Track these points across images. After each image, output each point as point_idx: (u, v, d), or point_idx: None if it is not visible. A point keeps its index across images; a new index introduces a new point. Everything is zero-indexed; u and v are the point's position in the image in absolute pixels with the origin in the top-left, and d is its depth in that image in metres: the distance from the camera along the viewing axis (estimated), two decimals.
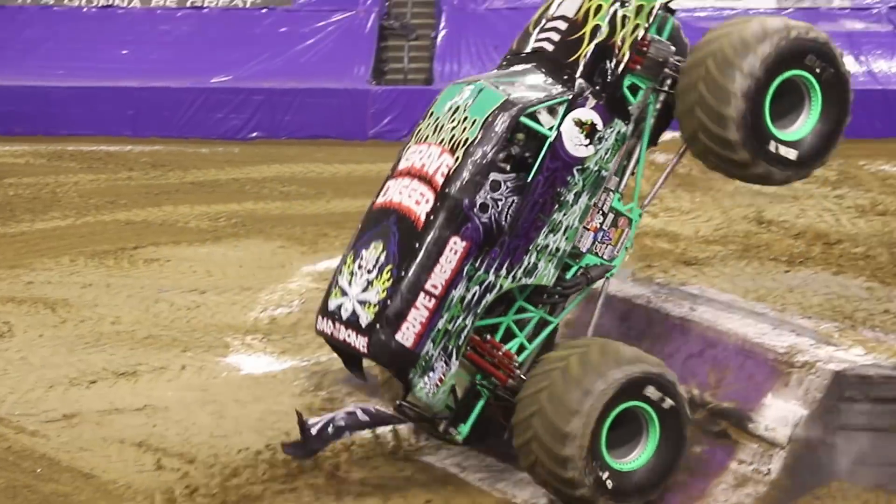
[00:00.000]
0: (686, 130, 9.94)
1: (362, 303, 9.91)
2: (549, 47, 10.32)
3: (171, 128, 24.06)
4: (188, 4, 26.91)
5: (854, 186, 15.17)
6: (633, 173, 10.10)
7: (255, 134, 24.22)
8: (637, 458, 9.48)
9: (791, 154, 9.76)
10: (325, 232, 16.02)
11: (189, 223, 16.70)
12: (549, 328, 9.93)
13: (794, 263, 12.17)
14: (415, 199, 10.03)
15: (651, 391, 9.31)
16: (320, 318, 10.11)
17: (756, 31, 9.70)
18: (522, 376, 9.67)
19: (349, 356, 10.01)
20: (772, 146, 9.70)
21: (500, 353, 9.82)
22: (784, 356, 9.13)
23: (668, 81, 9.95)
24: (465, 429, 9.86)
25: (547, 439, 9.36)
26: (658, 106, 10.01)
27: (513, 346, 9.82)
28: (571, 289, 10.03)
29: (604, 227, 10.13)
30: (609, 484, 9.29)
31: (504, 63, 10.68)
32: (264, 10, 26.70)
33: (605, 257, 10.11)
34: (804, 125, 9.91)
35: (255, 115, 24.38)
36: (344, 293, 10.08)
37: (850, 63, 24.22)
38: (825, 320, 10.44)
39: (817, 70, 9.83)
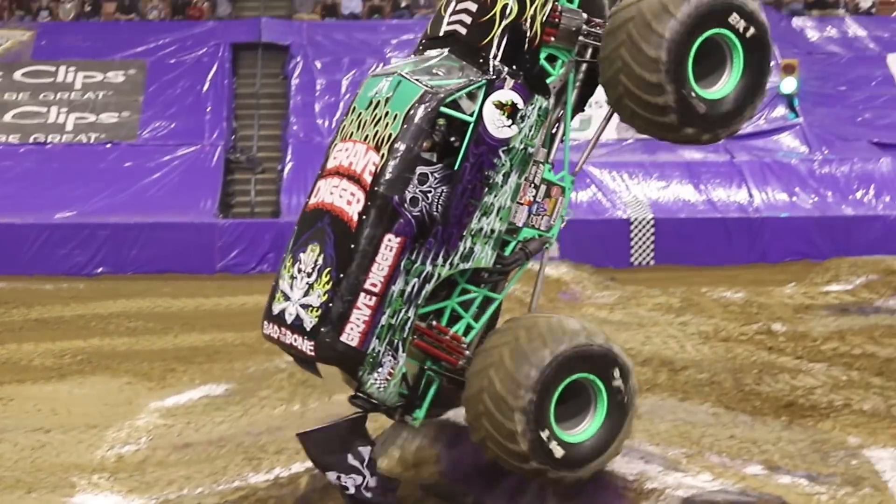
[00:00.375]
0: (612, 97, 10.02)
1: (305, 306, 9.93)
2: (462, 30, 10.29)
3: (14, 265, 23.60)
4: (31, 141, 26.62)
5: (697, 313, 15.42)
6: (561, 142, 10.24)
7: (100, 269, 23.89)
8: (586, 430, 9.63)
9: (716, 110, 9.86)
10: (172, 367, 15.80)
11: (33, 361, 16.35)
12: (494, 305, 10.07)
13: (642, 390, 12.28)
14: (346, 200, 10.02)
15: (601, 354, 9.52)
16: (265, 322, 10.16)
17: (652, 4, 9.70)
18: (471, 356, 9.80)
19: (283, 349, 10.08)
20: (697, 105, 9.77)
21: (448, 336, 9.94)
22: (633, 483, 9.18)
23: (589, 50, 10.06)
24: (420, 413, 9.98)
25: (496, 414, 9.46)
26: (580, 76, 10.16)
27: (460, 327, 9.95)
28: (511, 265, 10.11)
29: (537, 199, 10.22)
30: (558, 454, 9.43)
31: (420, 47, 10.64)
32: (108, 146, 26.50)
33: (542, 228, 10.20)
34: (727, 83, 9.99)
35: (101, 250, 24.07)
36: (286, 297, 10.10)
37: (691, 192, 24.98)
38: (673, 447, 10.55)
39: (740, 29, 9.87)
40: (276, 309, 10.15)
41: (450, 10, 10.43)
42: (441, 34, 10.42)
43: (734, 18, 9.83)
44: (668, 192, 25.54)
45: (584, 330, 9.62)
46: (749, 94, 9.97)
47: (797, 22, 30.75)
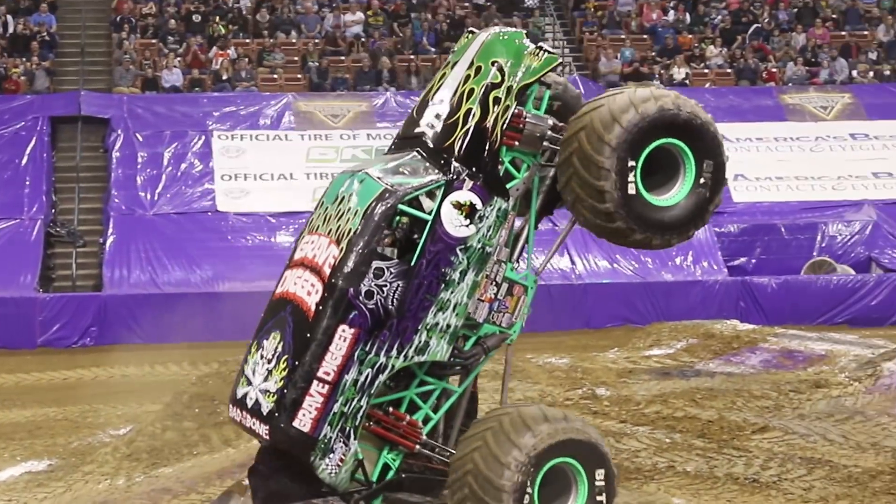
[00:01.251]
0: (567, 202, 10.50)
1: (263, 391, 10.29)
2: (430, 132, 10.67)
3: None
4: None
5: (523, 379, 15.55)
6: (525, 242, 10.72)
7: None
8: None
9: (667, 218, 10.27)
10: None
11: None
12: (453, 398, 10.44)
13: None
14: (306, 290, 10.37)
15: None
16: (231, 405, 10.53)
17: (623, 103, 10.15)
18: (432, 441, 10.29)
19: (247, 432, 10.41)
20: (648, 213, 10.19)
21: (405, 423, 10.28)
22: None
23: (549, 154, 10.43)
24: (377, 502, 10.28)
25: (480, 494, 9.85)
26: (548, 181, 10.55)
27: (418, 417, 10.27)
28: (470, 360, 10.46)
29: (499, 296, 10.60)
30: None
31: (392, 147, 11.02)
32: None
33: (503, 325, 10.59)
34: (680, 191, 10.35)
35: None
36: (249, 382, 10.44)
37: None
38: None
39: (688, 139, 10.25)
40: (239, 393, 10.45)
41: (422, 112, 10.79)
42: (413, 135, 10.76)
43: (681, 130, 10.20)
44: None
45: (564, 417, 10.07)
46: (702, 203, 10.33)
47: None
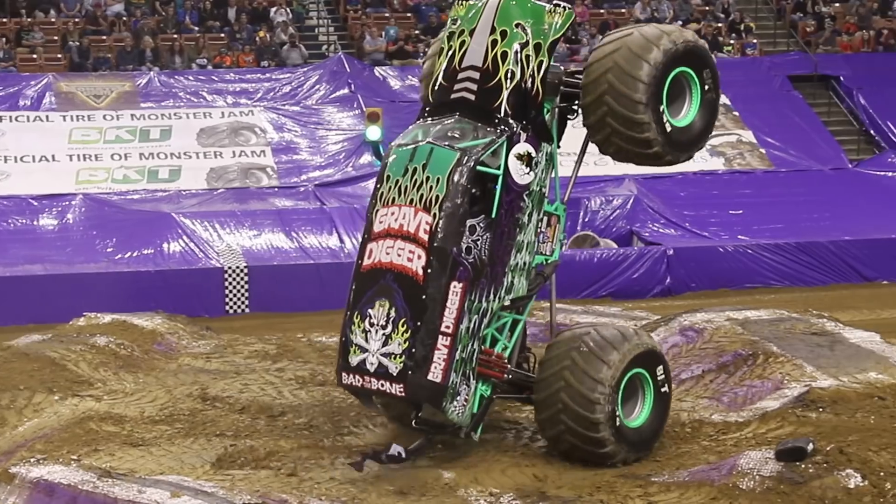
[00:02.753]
0: (599, 136, 11.92)
1: (387, 355, 11.36)
2: (470, 96, 11.82)
3: None
4: None
5: (294, 359, 15.49)
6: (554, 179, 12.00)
7: None
8: (640, 416, 11.74)
9: (690, 135, 12.01)
10: None
11: None
12: (521, 325, 11.85)
13: (241, 437, 12.29)
14: (406, 257, 11.42)
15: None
16: (344, 374, 11.62)
17: (644, 43, 11.66)
18: (514, 369, 11.78)
19: (364, 395, 11.67)
20: (677, 135, 11.85)
21: (494, 357, 11.61)
22: None
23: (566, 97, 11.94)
24: (479, 429, 11.67)
25: (575, 408, 11.33)
26: (556, 118, 11.98)
27: (499, 348, 11.63)
28: (534, 290, 11.96)
29: (541, 229, 11.97)
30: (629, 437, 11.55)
31: (427, 115, 12.16)
32: None
33: (547, 253, 12.04)
34: (692, 108, 12.03)
35: None
36: (363, 350, 11.52)
37: (283, 239, 25.12)
38: (275, 492, 10.60)
39: (697, 65, 11.95)
40: (353, 361, 11.52)
41: (450, 79, 11.95)
42: (450, 101, 11.91)
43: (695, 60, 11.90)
44: (260, 240, 25.65)
45: (636, 333, 11.84)
46: (710, 115, 12.17)
47: (379, 71, 31.55)
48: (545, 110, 11.87)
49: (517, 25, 11.74)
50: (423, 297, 11.31)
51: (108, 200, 27.00)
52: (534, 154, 11.72)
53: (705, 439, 12.24)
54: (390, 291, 11.53)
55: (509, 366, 11.71)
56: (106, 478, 10.70)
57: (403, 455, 11.19)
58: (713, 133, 12.51)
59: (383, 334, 11.46)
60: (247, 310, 24.59)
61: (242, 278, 24.61)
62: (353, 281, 11.96)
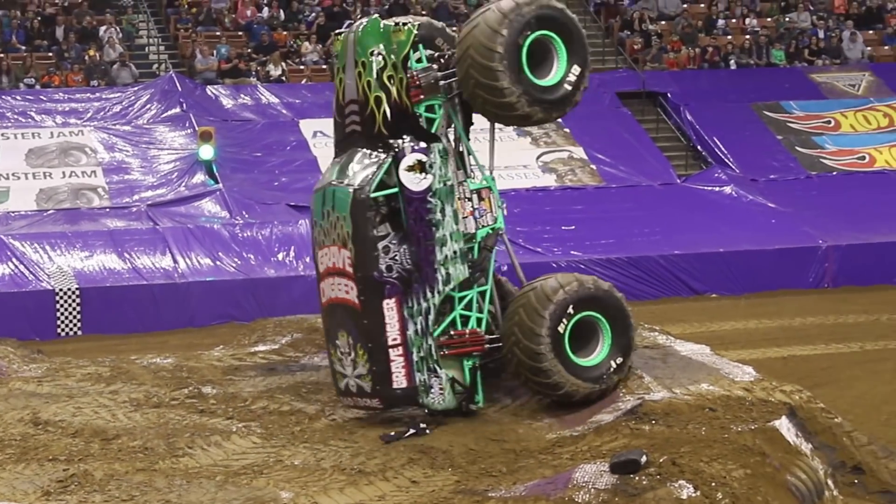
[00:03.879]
0: (476, 107, 13.31)
1: (358, 377, 13.18)
2: (358, 128, 13.35)
3: None
4: None
5: (128, 381, 15.31)
6: (469, 156, 13.47)
7: None
8: (600, 352, 13.32)
9: (557, 95, 13.17)
10: None
11: None
12: (488, 292, 13.31)
13: (74, 462, 12.10)
14: (345, 290, 13.10)
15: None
16: (340, 397, 13.58)
17: (495, 18, 12.84)
18: (493, 336, 13.23)
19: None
20: (542, 95, 13.04)
21: (467, 335, 13.19)
22: None
23: (449, 87, 13.16)
24: (479, 398, 13.41)
25: (523, 340, 12.97)
26: (458, 103, 13.29)
27: (473, 324, 13.20)
28: (483, 262, 13.34)
29: (475, 206, 13.34)
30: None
31: (336, 150, 13.65)
32: None
33: (490, 224, 13.42)
34: (559, 70, 13.22)
35: None
36: (343, 375, 13.37)
37: (115, 260, 24.76)
38: None
39: (555, 28, 13.09)
40: (341, 386, 13.42)
41: (342, 115, 13.54)
42: (345, 136, 13.48)
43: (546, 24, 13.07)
44: (92, 262, 25.24)
45: (576, 279, 13.26)
46: (576, 84, 13.27)
47: (211, 90, 31.32)
48: (437, 107, 13.20)
49: (372, 53, 13.17)
50: (365, 321, 12.96)
51: None
52: (424, 159, 13.08)
53: (541, 453, 12.39)
54: (344, 322, 13.19)
55: (485, 336, 13.22)
56: None
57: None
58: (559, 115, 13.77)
59: (351, 360, 13.19)
60: (79, 332, 24.19)
61: (74, 300, 24.21)
62: (321, 318, 13.70)
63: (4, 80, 30.89)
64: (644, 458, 11.04)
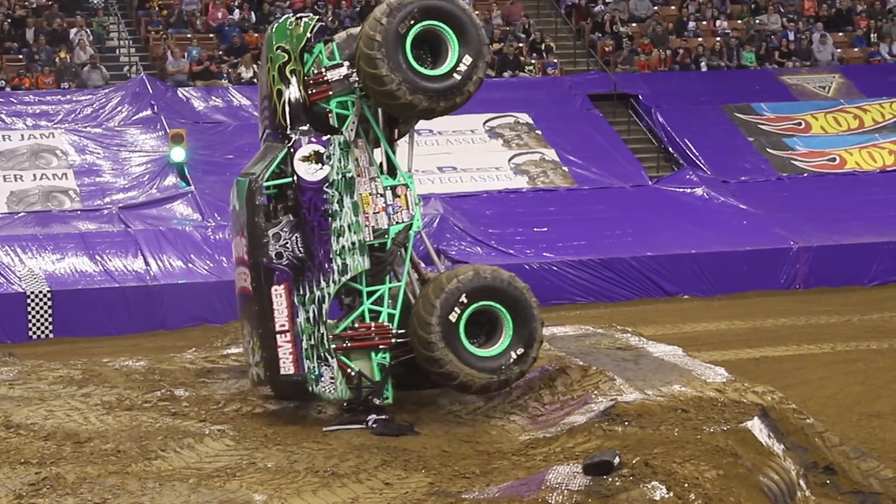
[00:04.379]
0: (374, 100, 13.25)
1: (256, 364, 13.38)
2: (268, 122, 13.62)
3: None
4: None
5: (100, 384, 15.25)
6: (386, 154, 13.48)
7: None
8: (501, 343, 13.31)
9: (444, 85, 13.18)
10: None
11: None
12: (402, 288, 13.41)
13: (46, 465, 12.05)
14: (244, 279, 13.37)
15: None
16: (253, 387, 13.75)
17: (381, 9, 13.04)
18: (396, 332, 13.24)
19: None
20: (426, 84, 13.07)
21: (373, 329, 13.28)
22: None
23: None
24: (388, 393, 13.35)
25: (417, 330, 13.05)
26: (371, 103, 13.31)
27: (383, 319, 13.32)
28: (391, 257, 13.42)
29: (388, 202, 13.39)
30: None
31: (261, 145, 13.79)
32: None
33: (405, 220, 13.47)
34: (449, 62, 13.23)
35: None
36: (249, 364, 13.62)
37: (87, 262, 24.67)
38: None
39: (443, 19, 13.16)
40: (251, 375, 13.58)
41: (261, 111, 13.91)
42: (264, 129, 13.71)
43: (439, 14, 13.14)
44: (64, 264, 25.17)
45: (473, 270, 13.34)
46: (467, 74, 13.22)
47: (182, 92, 31.26)
48: (350, 103, 13.35)
49: (278, 48, 13.44)
50: (256, 307, 13.15)
51: None
52: (322, 150, 13.20)
53: (514, 455, 12.40)
54: (246, 310, 13.50)
55: (394, 330, 13.25)
56: None
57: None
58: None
59: (251, 348, 13.42)
60: (51, 335, 24.13)
61: (46, 303, 24.14)
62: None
63: None
64: (617, 460, 11.06)
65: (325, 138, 13.27)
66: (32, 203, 27.63)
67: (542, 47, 35.19)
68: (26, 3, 33.39)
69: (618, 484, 10.76)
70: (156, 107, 30.40)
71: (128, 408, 14.17)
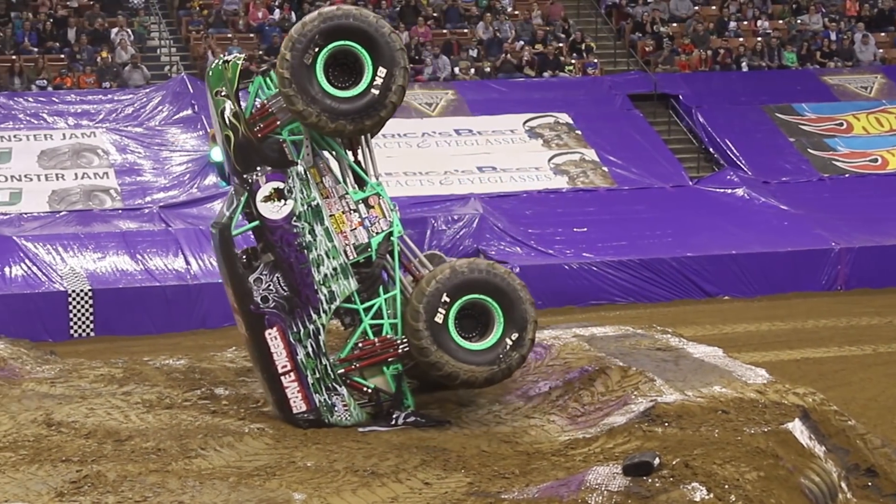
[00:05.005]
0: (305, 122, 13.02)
1: (272, 404, 13.49)
2: (228, 167, 13.48)
3: None
4: None
5: (140, 382, 15.32)
6: (350, 169, 13.31)
7: None
8: (494, 333, 13.20)
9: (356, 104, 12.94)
10: None
11: None
12: (398, 297, 13.28)
13: (87, 463, 12.11)
14: (242, 326, 13.42)
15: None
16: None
17: (284, 44, 12.94)
18: (400, 340, 13.13)
19: None
20: (332, 104, 12.83)
21: (377, 344, 13.22)
22: None
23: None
24: (409, 401, 13.38)
25: (408, 320, 13.02)
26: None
27: (386, 331, 13.26)
28: (377, 269, 13.27)
29: (363, 215, 13.21)
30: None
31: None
32: None
33: (384, 229, 13.28)
34: (363, 81, 12.98)
35: None
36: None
37: (128, 261, 24.79)
38: None
39: (353, 36, 12.92)
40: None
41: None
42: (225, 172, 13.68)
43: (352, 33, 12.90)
44: (105, 263, 25.29)
45: (450, 268, 13.17)
46: (385, 86, 12.98)
47: None
48: (297, 128, 13.18)
49: (216, 93, 13.40)
50: (257, 353, 13.26)
51: None
52: (281, 185, 13.08)
53: (554, 455, 12.38)
54: (251, 355, 13.66)
55: (399, 340, 13.18)
56: None
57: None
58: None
59: (265, 390, 13.55)
60: (92, 333, 24.24)
61: (87, 302, 24.26)
62: None
63: (17, 81, 30.94)
64: (657, 461, 11.03)
65: (279, 174, 13.12)
66: (74, 202, 27.77)
67: (583, 47, 35.12)
68: (68, 3, 33.57)
69: (657, 485, 10.72)
70: (196, 106, 30.50)
71: (168, 406, 14.22)
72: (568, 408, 13.80)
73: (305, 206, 13.03)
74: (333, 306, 13.07)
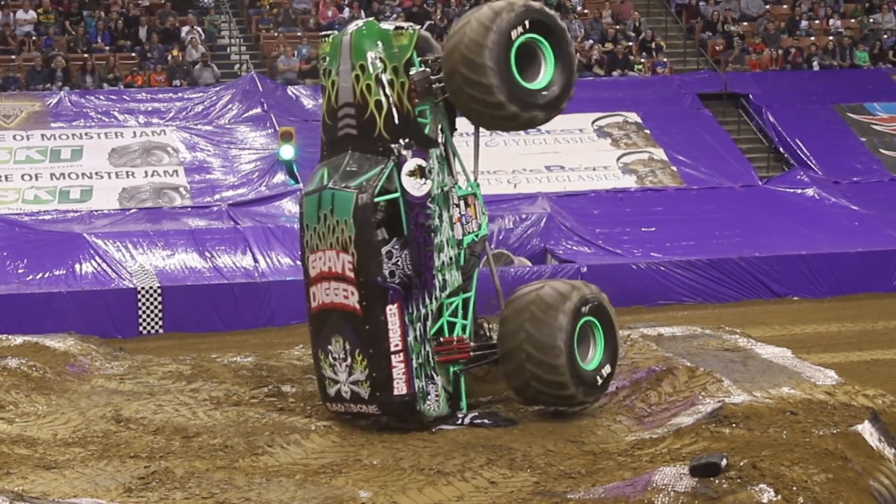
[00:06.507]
0: (461, 108, 12.97)
1: (355, 382, 12.93)
2: (353, 131, 13.03)
3: None
4: None
5: (208, 379, 15.40)
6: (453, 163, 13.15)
7: None
8: (594, 358, 13.25)
9: (543, 97, 12.83)
10: None
11: None
12: (472, 300, 13.27)
13: (155, 459, 12.19)
14: (343, 296, 12.84)
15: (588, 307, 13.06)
16: (328, 404, 13.33)
17: (488, 14, 12.63)
18: (473, 343, 13.15)
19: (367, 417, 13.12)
20: (528, 97, 12.73)
21: (454, 343, 13.09)
22: None
23: (439, 90, 12.83)
24: (464, 404, 13.33)
25: (538, 356, 12.79)
26: (442, 109, 13.02)
27: (458, 331, 13.13)
28: (470, 269, 13.26)
29: (462, 212, 13.18)
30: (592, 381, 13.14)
31: (325, 153, 13.41)
32: None
33: (475, 230, 13.29)
34: (545, 75, 12.93)
35: None
36: (335, 381, 13.09)
37: (196, 259, 24.96)
38: None
39: (546, 32, 12.87)
40: (332, 392, 13.15)
41: (334, 118, 13.25)
42: (338, 138, 13.16)
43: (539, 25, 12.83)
44: (174, 260, 25.49)
45: (576, 286, 13.14)
46: (567, 78, 12.98)
47: (292, 90, 31.50)
48: (427, 111, 12.97)
49: (370, 56, 12.89)
50: (367, 327, 12.69)
51: (18, 221, 26.72)
52: (424, 164, 12.91)
53: (620, 455, 12.33)
54: (340, 327, 12.88)
55: (470, 343, 13.15)
56: (18, 501, 10.56)
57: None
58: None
59: (346, 366, 12.91)
60: (161, 330, 24.42)
61: (156, 299, 24.44)
62: (309, 323, 13.33)
63: (88, 80, 31.25)
64: (724, 462, 10.94)
65: (423, 151, 12.98)
66: (144, 199, 28.00)
67: (652, 46, 34.97)
68: (139, 2, 33.87)
69: (725, 486, 10.65)
70: (265, 105, 30.67)
71: (235, 403, 14.28)
72: (635, 408, 13.73)
73: (439, 190, 12.99)
74: (443, 296, 13.01)
